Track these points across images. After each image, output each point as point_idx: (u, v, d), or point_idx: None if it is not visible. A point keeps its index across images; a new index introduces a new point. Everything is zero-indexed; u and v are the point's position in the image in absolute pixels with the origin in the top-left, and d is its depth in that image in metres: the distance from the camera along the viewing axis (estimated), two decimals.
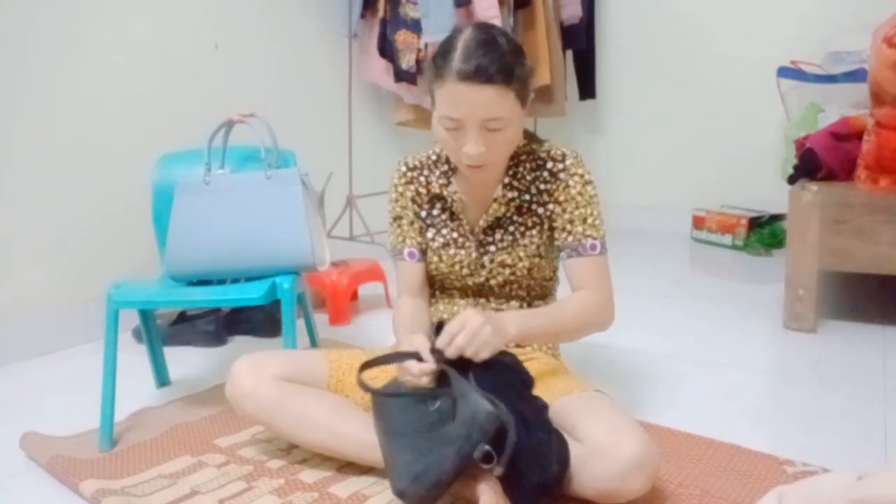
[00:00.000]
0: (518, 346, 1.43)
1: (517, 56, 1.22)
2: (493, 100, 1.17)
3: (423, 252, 1.44)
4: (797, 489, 0.86)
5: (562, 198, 1.34)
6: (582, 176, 1.33)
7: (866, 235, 1.98)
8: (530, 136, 1.39)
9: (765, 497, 0.89)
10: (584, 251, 1.32)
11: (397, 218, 1.44)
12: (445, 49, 1.21)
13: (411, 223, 1.43)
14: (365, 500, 1.22)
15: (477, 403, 1.06)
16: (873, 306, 2.31)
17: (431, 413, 1.15)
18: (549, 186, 1.35)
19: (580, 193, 1.33)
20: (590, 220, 1.33)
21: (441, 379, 1.15)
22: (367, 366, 1.22)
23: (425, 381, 1.13)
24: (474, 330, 1.12)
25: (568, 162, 1.34)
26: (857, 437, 1.44)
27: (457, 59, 1.17)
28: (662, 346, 1.99)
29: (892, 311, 2.23)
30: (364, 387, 1.20)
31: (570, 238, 1.33)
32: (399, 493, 1.11)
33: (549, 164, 1.34)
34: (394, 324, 1.40)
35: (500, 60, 1.17)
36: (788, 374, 1.81)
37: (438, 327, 1.19)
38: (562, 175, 1.33)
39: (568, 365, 1.48)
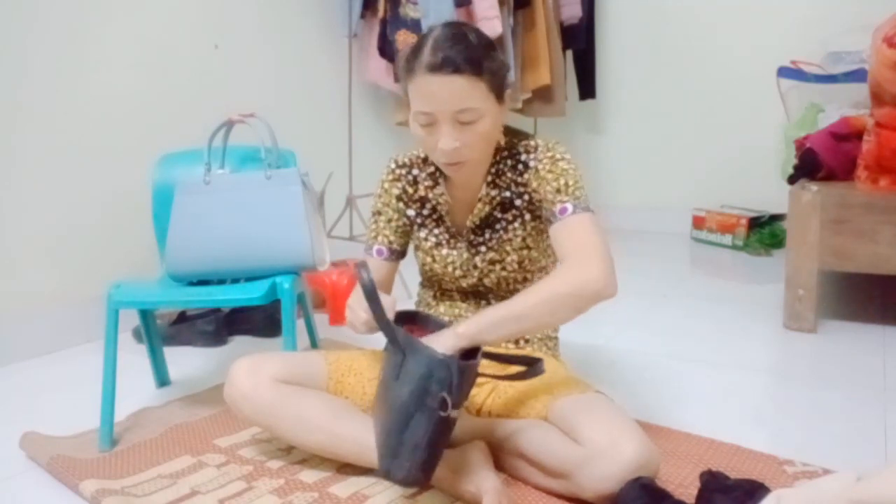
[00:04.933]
0: (517, 346, 1.43)
1: (487, 50, 1.22)
2: (462, 90, 1.18)
3: (394, 252, 1.44)
4: (796, 492, 0.86)
5: (535, 184, 1.31)
6: (552, 157, 1.30)
7: (866, 235, 1.98)
8: (515, 133, 1.37)
9: (763, 501, 0.89)
10: (555, 217, 1.26)
11: (377, 213, 1.44)
12: (416, 46, 1.23)
13: (389, 221, 1.43)
14: (365, 500, 1.22)
15: (426, 354, 1.07)
16: (873, 306, 2.31)
17: (381, 383, 1.17)
18: (524, 178, 1.33)
19: (550, 171, 1.29)
20: (561, 188, 1.27)
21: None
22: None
23: (361, 328, 1.22)
24: None
25: (539, 151, 1.31)
26: (857, 437, 1.44)
27: (426, 54, 1.19)
28: (662, 347, 1.99)
29: (892, 311, 2.23)
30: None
31: (545, 211, 1.29)
32: (385, 475, 1.10)
33: (524, 157, 1.32)
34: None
35: (467, 51, 1.18)
36: (788, 374, 1.81)
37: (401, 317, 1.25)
38: (531, 163, 1.31)
39: (568, 366, 1.48)
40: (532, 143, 1.33)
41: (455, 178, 1.33)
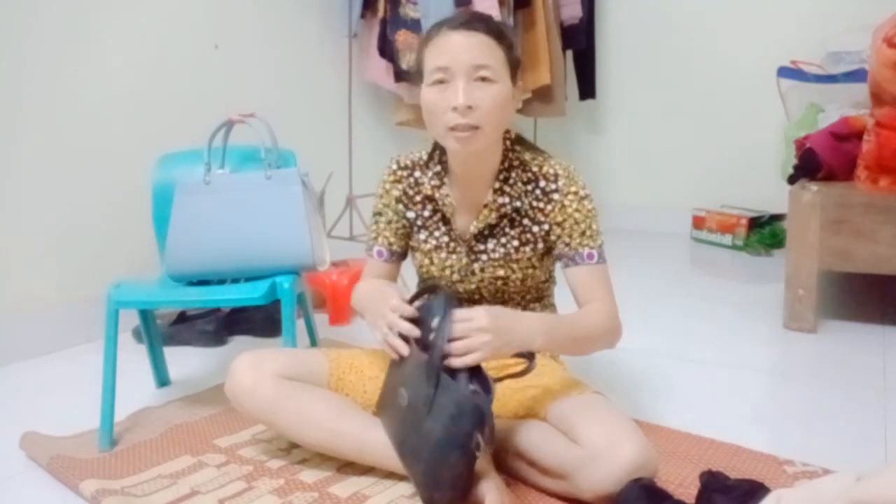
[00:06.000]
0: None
1: (505, 28, 1.29)
2: (483, 45, 1.21)
3: (395, 254, 1.43)
4: (796, 492, 0.86)
5: (559, 218, 1.32)
6: (577, 193, 1.31)
7: (866, 235, 1.98)
8: (525, 143, 1.37)
9: (763, 501, 0.89)
10: (582, 260, 1.31)
11: (377, 214, 1.44)
12: (436, 23, 1.29)
13: (389, 222, 1.42)
14: (365, 500, 1.22)
15: (458, 393, 1.08)
16: (873, 306, 2.31)
17: (405, 409, 1.17)
18: (542, 205, 1.32)
19: (577, 210, 1.31)
20: (588, 232, 1.31)
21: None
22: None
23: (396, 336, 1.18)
24: (470, 330, 1.12)
25: (560, 182, 1.31)
26: (857, 437, 1.44)
27: (448, 20, 1.25)
28: (662, 346, 1.99)
29: (892, 311, 2.24)
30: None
31: (567, 249, 1.32)
32: (429, 501, 1.15)
33: (542, 183, 1.32)
34: (356, 301, 1.39)
35: (489, 20, 1.26)
36: (788, 374, 1.81)
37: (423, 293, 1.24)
38: (555, 196, 1.31)
39: (566, 366, 1.48)
40: (550, 169, 1.32)
41: (462, 164, 1.31)
